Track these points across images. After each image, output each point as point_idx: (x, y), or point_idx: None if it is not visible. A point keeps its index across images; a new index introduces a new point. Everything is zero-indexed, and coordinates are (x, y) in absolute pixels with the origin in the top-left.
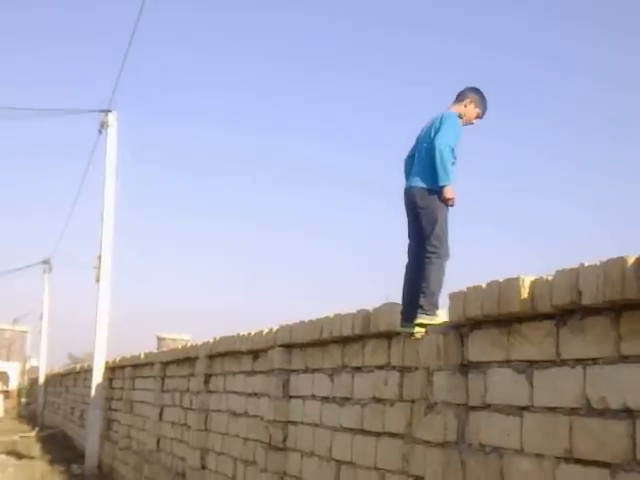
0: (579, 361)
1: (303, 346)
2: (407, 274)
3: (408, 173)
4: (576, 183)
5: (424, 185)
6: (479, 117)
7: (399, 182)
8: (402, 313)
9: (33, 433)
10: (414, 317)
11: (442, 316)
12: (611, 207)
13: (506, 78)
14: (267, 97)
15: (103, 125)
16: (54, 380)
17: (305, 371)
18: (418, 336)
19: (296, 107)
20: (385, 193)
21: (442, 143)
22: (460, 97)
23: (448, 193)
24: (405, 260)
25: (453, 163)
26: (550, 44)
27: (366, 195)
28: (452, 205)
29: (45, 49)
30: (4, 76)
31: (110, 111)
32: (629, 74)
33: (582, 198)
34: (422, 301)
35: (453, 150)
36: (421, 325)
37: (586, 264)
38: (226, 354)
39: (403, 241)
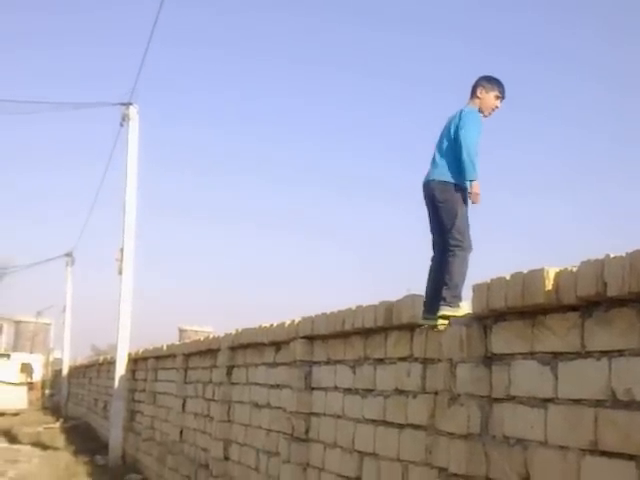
0: (604, 353)
1: (325, 338)
2: (432, 267)
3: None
4: (575, 183)
5: (442, 178)
6: (499, 98)
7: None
8: (425, 305)
9: (57, 424)
10: (437, 309)
11: (465, 308)
12: (613, 206)
13: (514, 79)
14: (277, 98)
15: (124, 118)
16: (77, 372)
17: (327, 363)
18: (441, 328)
19: (309, 107)
20: (395, 191)
21: (467, 138)
22: (473, 91)
23: (476, 188)
24: (427, 254)
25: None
26: (552, 46)
27: (379, 194)
28: (478, 201)
29: (67, 46)
30: (27, 72)
31: (131, 104)
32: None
33: (582, 198)
34: (445, 293)
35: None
36: (444, 317)
37: (612, 255)
38: (248, 346)
39: (411, 238)
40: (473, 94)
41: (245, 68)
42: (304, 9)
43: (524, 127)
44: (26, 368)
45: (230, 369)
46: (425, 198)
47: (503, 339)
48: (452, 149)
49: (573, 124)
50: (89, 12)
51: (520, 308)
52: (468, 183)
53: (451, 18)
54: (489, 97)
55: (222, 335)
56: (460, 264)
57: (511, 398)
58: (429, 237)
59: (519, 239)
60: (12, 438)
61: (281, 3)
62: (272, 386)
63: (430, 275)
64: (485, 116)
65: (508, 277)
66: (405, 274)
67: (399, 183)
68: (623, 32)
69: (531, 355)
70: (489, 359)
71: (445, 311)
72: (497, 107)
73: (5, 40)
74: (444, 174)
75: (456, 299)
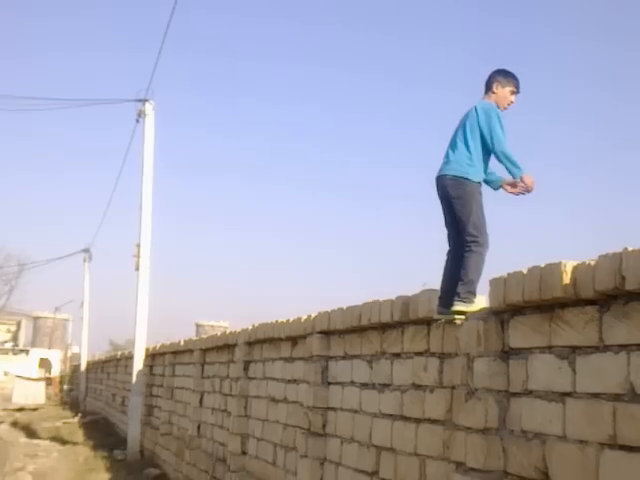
0: (623, 347)
1: (341, 333)
2: (447, 262)
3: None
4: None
5: (455, 173)
6: (515, 92)
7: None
8: (440, 299)
9: (76, 419)
10: (451, 304)
11: (479, 303)
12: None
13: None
14: (287, 98)
15: (140, 114)
16: (95, 367)
17: (344, 357)
18: (458, 322)
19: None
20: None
21: (497, 139)
22: (488, 86)
23: (526, 179)
24: (438, 249)
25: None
26: (550, 47)
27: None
28: (533, 189)
29: (86, 48)
30: (48, 72)
31: (147, 100)
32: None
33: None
34: (460, 288)
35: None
36: (458, 312)
37: (630, 248)
38: (265, 341)
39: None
40: (488, 89)
41: (257, 68)
42: (315, 12)
43: (522, 127)
44: (44, 363)
45: (247, 364)
46: (438, 193)
47: (520, 333)
48: (467, 144)
49: (571, 125)
50: (105, 14)
51: (537, 302)
52: (518, 179)
53: (456, 24)
54: (505, 92)
55: (239, 330)
56: (476, 260)
57: (529, 392)
58: (443, 232)
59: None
60: (31, 433)
61: (295, 6)
62: (289, 381)
63: (445, 270)
64: (500, 111)
65: (525, 271)
66: (418, 270)
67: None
68: (620, 34)
69: (549, 349)
70: (506, 353)
71: (459, 307)
72: (512, 102)
73: (22, 42)
74: (457, 169)
75: (471, 295)
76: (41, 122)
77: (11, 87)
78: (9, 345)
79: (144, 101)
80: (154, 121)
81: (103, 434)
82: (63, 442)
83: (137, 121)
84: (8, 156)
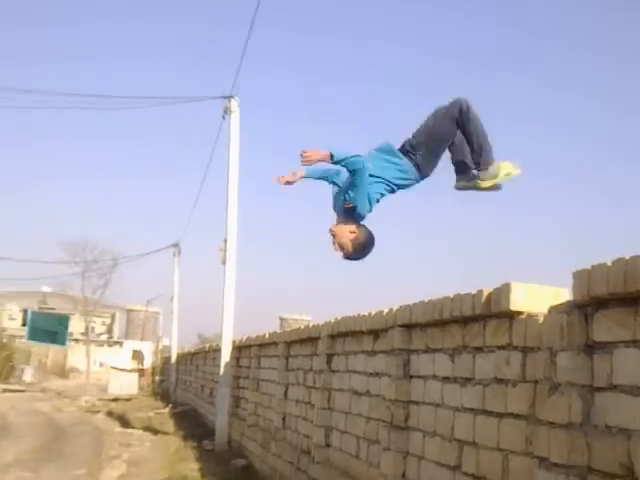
0: None
1: (423, 326)
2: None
3: None
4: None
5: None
6: None
7: None
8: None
9: (167, 410)
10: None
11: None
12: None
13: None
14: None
15: (226, 111)
16: (185, 359)
17: (425, 351)
18: (540, 318)
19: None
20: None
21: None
22: None
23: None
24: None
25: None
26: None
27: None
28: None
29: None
30: (138, 68)
31: (232, 97)
32: None
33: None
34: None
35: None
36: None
37: None
38: (347, 334)
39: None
40: None
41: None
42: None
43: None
44: (137, 355)
45: (330, 357)
46: None
47: (605, 327)
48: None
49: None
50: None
51: (622, 295)
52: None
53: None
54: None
55: (322, 323)
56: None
57: (613, 387)
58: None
59: None
60: (125, 422)
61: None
62: (371, 374)
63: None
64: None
65: (610, 263)
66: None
67: None
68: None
69: (634, 343)
70: (590, 347)
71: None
72: None
73: (115, 45)
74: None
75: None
76: (130, 120)
77: (104, 86)
78: (104, 337)
79: (229, 98)
80: (239, 118)
81: (192, 424)
82: (155, 432)
83: (223, 117)
84: (100, 155)
